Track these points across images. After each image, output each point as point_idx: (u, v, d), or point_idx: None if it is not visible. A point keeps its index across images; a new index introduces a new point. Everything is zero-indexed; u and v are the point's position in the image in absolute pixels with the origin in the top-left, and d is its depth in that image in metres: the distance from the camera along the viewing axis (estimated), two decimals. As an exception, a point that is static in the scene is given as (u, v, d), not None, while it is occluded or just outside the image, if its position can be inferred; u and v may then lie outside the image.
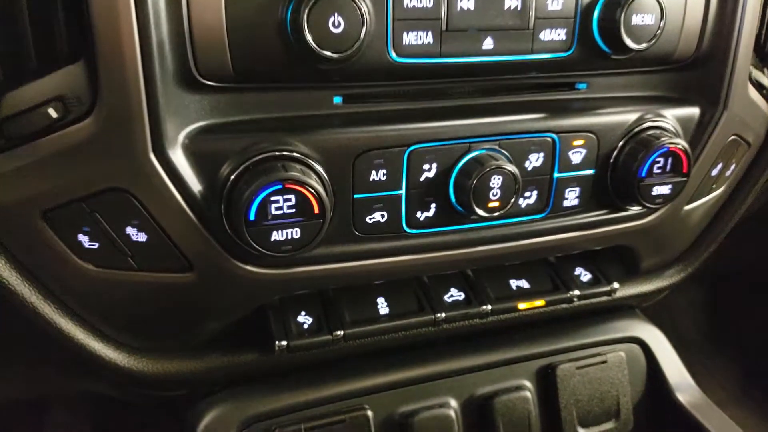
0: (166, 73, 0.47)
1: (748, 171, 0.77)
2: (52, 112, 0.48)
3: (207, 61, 0.48)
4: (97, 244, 0.52)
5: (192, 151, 0.50)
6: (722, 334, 1.35)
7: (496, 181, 0.56)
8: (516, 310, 0.69)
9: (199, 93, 0.50)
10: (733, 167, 0.73)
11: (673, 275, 0.81)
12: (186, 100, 0.50)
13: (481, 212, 0.57)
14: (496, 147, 0.58)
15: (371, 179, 0.55)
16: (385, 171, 0.55)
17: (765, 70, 0.72)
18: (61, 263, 0.53)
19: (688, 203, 0.71)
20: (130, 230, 0.51)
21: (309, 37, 0.46)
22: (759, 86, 0.70)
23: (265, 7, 0.47)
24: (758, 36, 0.69)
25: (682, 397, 0.77)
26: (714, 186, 0.73)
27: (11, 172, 0.49)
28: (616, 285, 0.72)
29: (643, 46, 0.57)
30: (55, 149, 0.48)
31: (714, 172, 0.70)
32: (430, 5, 0.52)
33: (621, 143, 0.62)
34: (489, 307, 0.68)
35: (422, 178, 0.57)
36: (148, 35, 0.46)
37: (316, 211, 0.50)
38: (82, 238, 0.52)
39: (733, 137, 0.69)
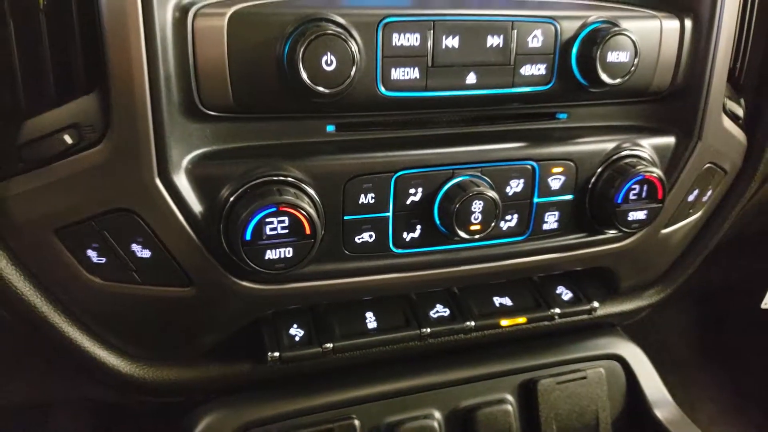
0: (172, 104, 0.54)
1: (725, 197, 0.82)
2: (68, 139, 0.54)
3: (210, 94, 0.54)
4: (104, 259, 0.58)
5: (194, 175, 0.56)
6: (714, 349, 1.41)
7: (477, 205, 0.62)
8: (498, 326, 0.74)
9: (201, 122, 0.56)
10: (709, 193, 0.79)
11: (652, 295, 0.87)
12: (189, 129, 0.56)
13: (463, 234, 0.62)
14: (479, 174, 0.64)
15: (360, 202, 0.61)
16: (373, 195, 0.61)
17: (741, 100, 0.79)
18: (71, 276, 0.59)
19: (666, 227, 0.77)
20: (135, 247, 0.57)
21: (304, 75, 0.52)
22: (734, 117, 0.76)
23: (264, 46, 0.53)
24: (732, 69, 0.75)
25: (659, 413, 0.83)
26: (691, 211, 0.78)
27: (28, 192, 0.55)
28: (595, 304, 0.78)
29: (618, 81, 0.62)
30: (69, 172, 0.54)
31: (690, 198, 0.76)
32: (417, 44, 0.58)
33: (599, 170, 0.68)
34: (472, 323, 0.73)
35: (408, 202, 0.63)
36: (157, 70, 0.52)
37: (308, 232, 0.56)
38: (91, 254, 0.58)
39: (708, 165, 0.75)
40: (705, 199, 0.79)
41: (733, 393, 1.36)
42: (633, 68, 0.62)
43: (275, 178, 0.57)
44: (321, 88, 0.53)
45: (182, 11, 0.52)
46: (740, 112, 0.77)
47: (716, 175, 0.77)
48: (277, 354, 0.66)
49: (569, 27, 0.62)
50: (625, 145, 0.69)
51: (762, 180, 0.82)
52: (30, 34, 0.51)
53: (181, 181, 0.56)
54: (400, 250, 0.64)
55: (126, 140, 0.53)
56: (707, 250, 0.86)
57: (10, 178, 0.54)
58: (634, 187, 0.67)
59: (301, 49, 0.52)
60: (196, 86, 0.54)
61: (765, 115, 0.78)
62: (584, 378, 0.80)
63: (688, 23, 0.67)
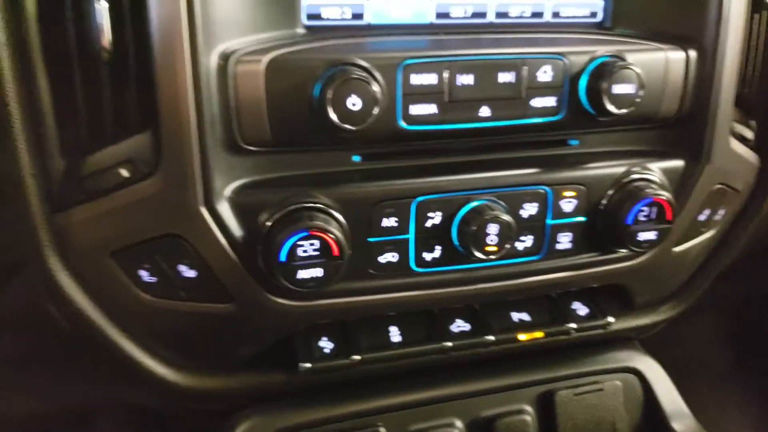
0: (215, 140, 0.61)
1: (739, 215, 0.86)
2: (124, 172, 0.61)
3: (249, 131, 0.61)
4: (154, 279, 0.65)
5: (235, 203, 0.63)
6: (745, 360, 1.42)
7: (492, 228, 0.67)
8: (517, 340, 0.80)
9: (242, 156, 0.63)
10: (722, 212, 0.82)
11: (668, 310, 0.90)
12: (231, 162, 0.63)
13: (480, 255, 0.68)
14: (494, 198, 0.69)
15: (384, 225, 0.67)
16: (396, 218, 0.67)
17: (753, 122, 0.83)
18: (125, 294, 0.66)
19: (677, 245, 0.81)
20: (182, 268, 0.65)
21: (332, 115, 0.59)
22: (742, 139, 0.80)
23: (297, 88, 0.60)
24: (740, 93, 0.79)
25: (677, 426, 0.86)
26: (703, 229, 0.82)
27: (89, 219, 0.62)
28: (610, 319, 0.82)
29: (624, 111, 0.67)
30: (125, 202, 0.61)
31: (702, 218, 0.80)
32: (434, 82, 0.64)
33: (609, 193, 0.73)
34: (492, 337, 0.78)
35: (428, 225, 0.69)
36: (202, 111, 0.59)
37: (336, 253, 0.63)
38: (143, 274, 0.65)
39: (719, 186, 0.79)
40: (717, 217, 0.83)
41: (764, 405, 1.37)
42: (638, 100, 0.67)
43: (307, 205, 0.63)
44: (347, 126, 0.60)
45: (225, 58, 0.59)
46: (750, 134, 0.81)
47: (728, 195, 0.81)
48: (308, 365, 0.73)
49: (577, 61, 0.68)
50: (634, 169, 0.74)
51: (774, 201, 0.86)
52: (93, 81, 0.59)
53: (224, 209, 0.63)
54: (421, 269, 0.70)
55: (175, 173, 0.60)
56: (722, 266, 0.90)
57: (73, 207, 0.62)
58: (643, 209, 0.72)
59: (329, 92, 0.59)
60: (238, 124, 0.61)
61: (774, 137, 0.82)
62: (601, 390, 0.84)
63: (692, 54, 0.71)
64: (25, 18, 0.57)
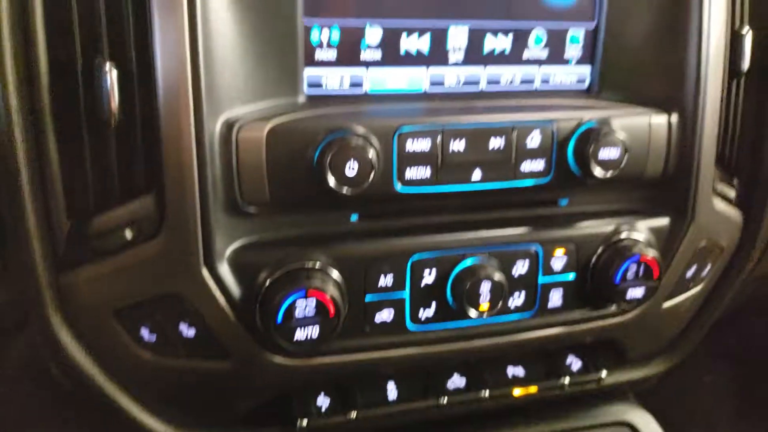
0: (217, 203, 0.63)
1: (726, 270, 0.89)
2: (128, 234, 0.64)
3: (250, 194, 0.64)
4: (155, 337, 0.67)
5: (235, 263, 0.65)
6: (743, 410, 1.42)
7: (485, 286, 0.69)
8: (511, 395, 0.81)
9: (242, 217, 0.65)
10: (708, 268, 0.85)
11: (661, 364, 0.92)
12: (231, 223, 0.65)
13: (473, 313, 0.70)
14: (487, 256, 0.72)
15: (380, 284, 0.69)
16: (391, 277, 0.70)
17: (735, 180, 0.86)
18: (125, 351, 0.68)
19: (667, 301, 0.83)
20: (182, 326, 0.66)
21: (330, 179, 0.62)
22: (724, 197, 0.83)
23: (296, 154, 0.63)
24: (722, 153, 0.82)
25: (671, 480, 0.87)
26: (691, 285, 0.84)
27: (92, 280, 0.64)
28: (603, 374, 0.83)
29: (609, 174, 0.70)
30: (128, 263, 0.63)
31: (689, 274, 0.83)
32: (428, 148, 0.67)
33: (598, 252, 0.75)
34: (487, 392, 0.80)
35: (423, 283, 0.71)
36: (205, 175, 0.62)
37: (332, 313, 0.65)
38: (144, 332, 0.67)
39: (704, 243, 0.81)
40: (704, 273, 0.85)
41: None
42: (623, 164, 0.70)
43: (304, 265, 0.66)
44: (345, 190, 0.63)
45: (228, 126, 0.62)
46: (732, 193, 0.84)
47: (713, 252, 0.84)
48: (305, 422, 0.74)
49: (565, 127, 0.71)
50: (622, 228, 0.76)
51: (761, 254, 0.89)
52: (100, 146, 0.62)
53: (224, 269, 0.65)
54: (416, 327, 0.72)
55: (177, 235, 0.63)
56: (713, 319, 0.92)
57: (78, 267, 0.64)
58: (631, 267, 0.74)
59: (328, 158, 0.62)
60: (239, 187, 0.64)
61: (757, 194, 0.85)
62: (595, 444, 0.86)
63: (674, 117, 0.75)
64: (37, 84, 0.60)
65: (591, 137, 0.70)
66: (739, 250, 0.88)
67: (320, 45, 0.68)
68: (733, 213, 0.84)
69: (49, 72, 0.60)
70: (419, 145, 0.67)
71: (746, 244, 0.87)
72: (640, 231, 0.77)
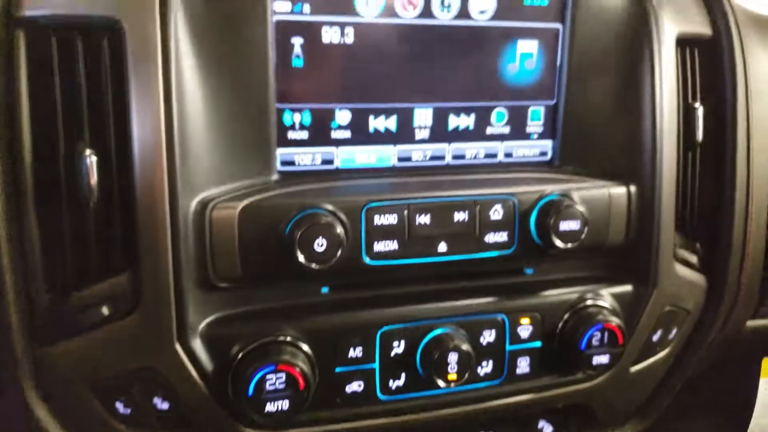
0: (190, 279, 0.66)
1: (693, 333, 0.91)
2: (105, 311, 0.66)
3: (222, 270, 0.67)
4: (129, 410, 0.68)
5: (207, 337, 0.68)
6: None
7: (453, 357, 0.72)
8: (483, 463, 0.82)
9: (214, 292, 0.68)
10: (675, 331, 0.87)
11: (633, 426, 0.93)
12: (204, 298, 0.68)
13: (441, 383, 0.72)
14: (454, 327, 0.74)
15: (350, 356, 0.72)
16: (361, 348, 0.72)
17: (697, 245, 0.89)
18: (100, 424, 0.69)
19: (634, 365, 0.85)
20: (156, 399, 0.68)
21: (300, 256, 0.65)
22: (687, 263, 0.86)
23: (267, 231, 0.66)
24: (682, 220, 0.86)
25: None
26: (658, 348, 0.87)
27: (69, 354, 0.66)
28: (574, 439, 0.85)
29: (570, 246, 0.74)
30: (105, 338, 0.65)
31: (655, 338, 0.85)
32: (395, 222, 0.70)
33: (563, 320, 0.78)
34: None
35: (393, 354, 0.73)
36: (179, 253, 0.65)
37: (302, 386, 0.66)
38: (119, 405, 0.68)
39: (669, 308, 0.84)
40: (671, 337, 0.87)
41: None
42: (583, 236, 0.74)
43: (275, 339, 0.68)
44: (313, 266, 0.65)
45: (203, 205, 0.66)
46: (694, 258, 0.87)
47: (679, 316, 0.86)
48: (278, 492, 0.74)
49: (527, 199, 0.75)
50: (586, 295, 0.79)
51: (726, 316, 0.91)
52: (79, 224, 0.65)
53: (196, 344, 0.67)
54: (386, 397, 0.74)
55: (152, 312, 0.65)
56: (683, 381, 0.94)
57: (57, 341, 0.66)
58: (595, 334, 0.77)
59: (297, 236, 0.65)
60: (212, 264, 0.66)
61: (719, 258, 0.88)
62: None
63: (633, 188, 0.79)
64: (21, 166, 0.64)
65: (552, 210, 0.73)
66: (705, 312, 0.90)
67: (292, 126, 0.72)
68: (697, 277, 0.87)
69: (32, 155, 0.64)
70: (386, 219, 0.70)
71: (712, 306, 0.90)
72: (604, 298, 0.80)
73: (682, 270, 0.85)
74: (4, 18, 0.62)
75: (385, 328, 0.72)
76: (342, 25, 0.70)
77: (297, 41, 0.69)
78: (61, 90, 0.63)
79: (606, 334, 0.77)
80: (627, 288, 0.82)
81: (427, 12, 0.72)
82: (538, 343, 0.78)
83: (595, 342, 0.77)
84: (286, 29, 0.68)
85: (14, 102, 0.62)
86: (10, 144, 0.63)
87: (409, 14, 0.71)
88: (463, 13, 0.73)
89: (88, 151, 0.62)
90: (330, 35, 0.70)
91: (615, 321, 0.77)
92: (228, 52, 0.67)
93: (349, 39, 0.70)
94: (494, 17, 0.74)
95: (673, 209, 0.82)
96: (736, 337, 0.97)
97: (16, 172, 0.64)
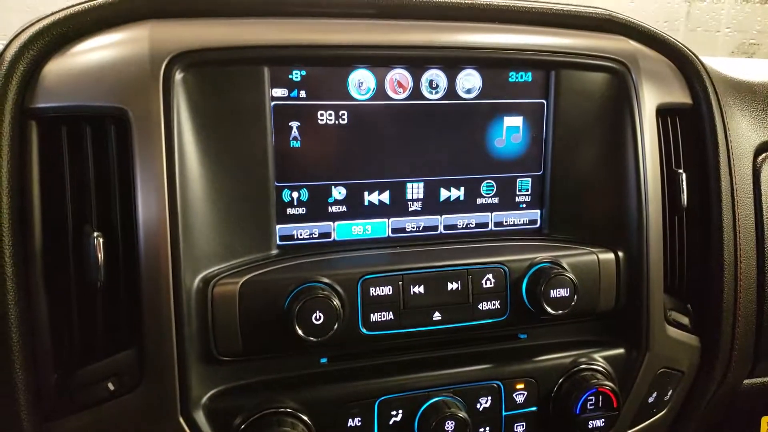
0: (193, 354, 0.69)
1: (689, 394, 0.93)
2: (111, 386, 0.69)
3: (224, 344, 0.70)
4: (133, 483, 0.71)
5: (209, 410, 0.70)
6: None
7: (450, 425, 0.74)
8: None
9: (216, 366, 0.71)
10: (670, 393, 0.89)
11: (634, 491, 0.94)
12: (206, 372, 0.71)
13: (439, 452, 0.74)
14: (450, 395, 0.77)
15: (349, 425, 0.74)
16: (360, 418, 0.74)
17: (689, 306, 0.92)
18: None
19: (631, 428, 0.87)
20: (160, 468, 0.70)
21: (298, 330, 0.68)
22: (679, 325, 0.88)
23: (267, 306, 0.70)
24: (672, 283, 0.89)
25: None
26: (654, 410, 0.88)
27: (78, 428, 0.68)
28: (574, 504, 0.86)
29: (560, 312, 0.77)
30: (111, 414, 0.68)
31: (650, 400, 0.87)
32: (390, 293, 0.74)
33: (558, 383, 0.80)
34: None
35: (391, 422, 0.75)
36: (183, 330, 0.68)
37: (302, 458, 0.69)
38: (124, 476, 0.70)
39: (662, 370, 0.86)
40: (667, 398, 0.89)
41: None
42: (573, 303, 0.77)
43: (275, 410, 0.70)
44: (312, 338, 0.69)
45: (205, 282, 0.69)
46: (686, 320, 0.90)
47: (673, 377, 0.89)
48: None
49: (517, 267, 0.78)
50: (580, 360, 0.82)
51: (721, 376, 0.93)
52: (87, 303, 0.69)
53: (199, 417, 0.69)
54: (385, 465, 0.76)
55: (156, 387, 0.68)
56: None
57: (64, 416, 0.69)
58: (590, 398, 0.79)
59: (295, 310, 0.68)
60: (214, 339, 0.70)
61: (710, 319, 0.91)
62: None
63: (621, 254, 0.82)
64: (31, 245, 0.68)
65: (542, 278, 0.77)
66: (700, 372, 0.92)
67: (291, 203, 0.76)
68: (690, 338, 0.90)
69: (41, 237, 0.68)
70: (381, 290, 0.74)
71: (707, 367, 0.92)
72: (598, 362, 0.82)
73: (674, 332, 0.87)
74: (19, 109, 0.67)
75: (383, 397, 0.75)
76: (336, 108, 0.75)
77: (294, 124, 0.74)
78: (70, 175, 0.68)
79: (600, 398, 0.79)
80: (620, 351, 0.84)
81: (416, 94, 0.77)
82: (533, 408, 0.80)
83: (589, 406, 0.79)
84: (284, 113, 0.73)
85: (26, 187, 0.67)
86: (21, 226, 0.67)
87: (399, 96, 0.77)
88: (451, 93, 0.78)
89: (94, 234, 0.66)
90: (325, 117, 0.75)
91: (609, 385, 0.79)
92: (229, 135, 0.72)
93: (343, 120, 0.75)
94: (480, 96, 0.79)
95: (662, 273, 0.85)
96: (733, 397, 0.99)
97: (26, 252, 0.68)
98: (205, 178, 0.70)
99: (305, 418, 0.71)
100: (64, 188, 0.68)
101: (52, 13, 0.70)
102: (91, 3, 0.70)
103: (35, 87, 0.67)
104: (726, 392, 0.97)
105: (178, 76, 0.67)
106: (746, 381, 0.98)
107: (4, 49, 0.68)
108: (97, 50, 0.69)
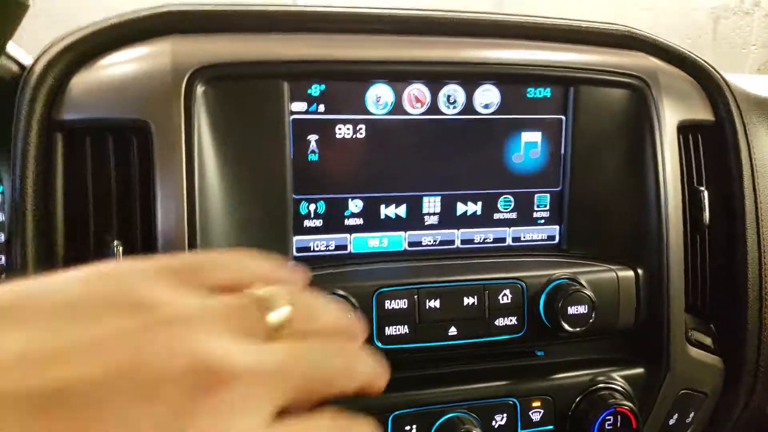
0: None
1: (713, 416, 0.91)
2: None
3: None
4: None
5: None
6: None
7: (464, 442, 0.73)
8: None
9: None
10: (692, 415, 0.87)
11: None
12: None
13: (453, 468, 0.73)
14: (465, 411, 0.76)
15: (362, 440, 0.73)
16: (373, 432, 0.74)
17: (712, 327, 0.90)
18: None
19: (652, 450, 0.85)
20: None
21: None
22: (701, 345, 0.87)
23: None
24: (694, 302, 0.88)
25: None
26: (676, 433, 0.87)
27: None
28: None
29: (578, 330, 0.76)
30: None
31: (671, 422, 0.85)
32: (405, 307, 0.74)
33: (575, 403, 0.79)
34: None
35: (404, 438, 0.75)
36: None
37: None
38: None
39: (684, 391, 0.85)
40: (689, 420, 0.87)
41: None
42: (591, 319, 0.76)
43: None
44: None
45: (221, 292, 0.70)
46: (708, 340, 0.88)
47: (695, 399, 0.87)
48: None
49: (535, 283, 0.78)
50: (599, 379, 0.81)
51: (746, 399, 0.91)
52: None
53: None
54: (399, 481, 0.75)
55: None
56: (707, 468, 0.93)
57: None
58: (608, 417, 0.78)
59: None
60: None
61: (734, 340, 0.89)
62: None
63: (641, 272, 0.81)
64: (54, 253, 0.69)
65: (560, 295, 0.76)
66: (724, 395, 0.90)
67: (308, 215, 0.77)
68: (713, 359, 0.88)
69: (64, 245, 0.70)
70: (397, 303, 0.74)
71: (730, 389, 0.90)
72: (617, 381, 0.81)
73: (696, 352, 0.85)
74: (46, 121, 0.69)
75: (397, 412, 0.74)
76: (354, 123, 0.76)
77: (312, 137, 0.75)
78: (93, 185, 0.70)
79: (619, 418, 0.78)
80: (639, 371, 0.83)
81: (433, 108, 0.78)
82: (550, 427, 0.79)
83: (607, 426, 0.77)
84: (302, 127, 0.75)
85: (50, 196, 0.69)
86: (45, 235, 0.69)
87: (416, 111, 0.77)
88: (468, 108, 0.79)
89: (115, 243, 0.68)
90: (343, 132, 0.76)
91: (628, 405, 0.78)
92: (248, 148, 0.73)
93: (361, 134, 0.76)
94: (498, 111, 0.79)
95: (683, 292, 0.83)
96: (761, 421, 0.97)
97: (50, 261, 0.69)
98: (224, 190, 0.72)
99: (318, 431, 0.71)
100: (87, 198, 0.70)
101: (79, 29, 0.73)
102: (117, 19, 0.73)
103: (62, 100, 0.70)
104: (751, 417, 0.94)
105: (199, 89, 0.69)
106: (772, 405, 0.96)
107: (33, 64, 0.71)
108: (121, 64, 0.71)
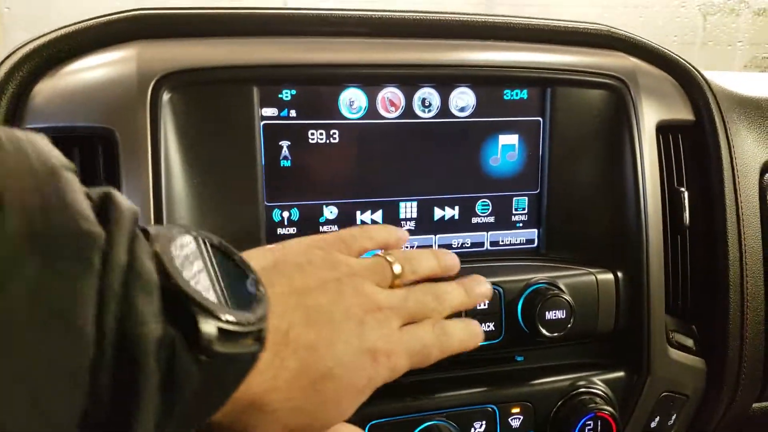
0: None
1: (695, 418, 0.90)
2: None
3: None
4: None
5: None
6: None
7: (442, 451, 0.72)
8: None
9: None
10: (674, 418, 0.87)
11: None
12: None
13: (431, 477, 0.72)
14: (444, 419, 0.75)
15: (339, 451, 0.72)
16: (350, 443, 0.73)
17: (693, 328, 0.90)
18: None
19: (634, 453, 0.84)
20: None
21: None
22: (682, 347, 0.86)
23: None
24: (674, 304, 0.87)
25: None
26: (658, 435, 0.86)
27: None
28: None
29: (556, 335, 0.75)
30: None
31: (653, 425, 0.85)
32: (380, 315, 0.73)
33: (555, 408, 0.78)
34: None
35: (382, 448, 0.74)
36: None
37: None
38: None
39: (665, 394, 0.84)
40: (671, 423, 0.87)
41: None
42: (569, 325, 0.75)
43: None
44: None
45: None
46: (690, 341, 0.87)
47: (677, 401, 0.86)
48: None
49: (512, 288, 0.77)
50: (579, 383, 0.80)
51: (729, 401, 0.90)
52: None
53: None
54: (377, 491, 0.74)
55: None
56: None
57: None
58: (588, 422, 0.77)
59: None
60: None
61: (716, 341, 0.88)
62: None
63: (620, 274, 0.81)
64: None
65: (537, 299, 0.75)
66: (706, 396, 0.90)
67: (281, 223, 0.76)
68: (695, 361, 0.87)
69: None
70: None
71: (713, 390, 0.89)
72: (597, 385, 0.80)
73: (677, 354, 0.85)
74: (9, 130, 0.67)
75: (374, 422, 0.73)
76: (327, 127, 0.74)
77: (285, 143, 0.74)
78: None
79: (599, 423, 0.77)
80: (620, 374, 0.82)
81: (408, 112, 0.76)
82: (530, 433, 0.78)
83: (588, 431, 0.77)
84: (274, 133, 0.73)
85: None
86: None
87: (391, 115, 0.76)
88: (444, 111, 0.77)
89: None
90: (316, 137, 0.74)
91: (608, 409, 0.77)
92: (218, 155, 0.72)
93: (335, 139, 0.75)
94: (474, 114, 0.78)
95: (663, 294, 0.83)
96: (743, 421, 0.96)
97: None
98: (193, 198, 0.70)
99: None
100: None
101: (43, 35, 0.71)
102: (82, 24, 0.71)
103: (25, 108, 0.68)
104: (734, 417, 0.94)
105: (165, 96, 0.67)
106: (755, 405, 0.95)
107: (-5, 71, 0.69)
108: (86, 71, 0.69)
